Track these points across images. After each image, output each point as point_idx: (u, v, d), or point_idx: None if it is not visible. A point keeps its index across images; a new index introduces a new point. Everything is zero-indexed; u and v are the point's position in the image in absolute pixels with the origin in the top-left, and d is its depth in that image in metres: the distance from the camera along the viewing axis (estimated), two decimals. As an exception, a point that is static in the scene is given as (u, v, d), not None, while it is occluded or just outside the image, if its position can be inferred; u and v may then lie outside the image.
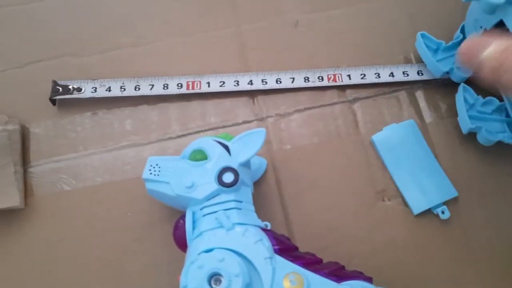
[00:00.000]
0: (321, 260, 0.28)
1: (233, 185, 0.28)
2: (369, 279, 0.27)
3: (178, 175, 0.29)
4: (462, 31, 0.35)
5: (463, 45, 0.25)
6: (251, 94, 0.37)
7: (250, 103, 0.36)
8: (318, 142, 0.35)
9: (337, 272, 0.27)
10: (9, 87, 0.38)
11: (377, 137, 0.34)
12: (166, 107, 0.36)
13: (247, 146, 0.30)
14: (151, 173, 0.30)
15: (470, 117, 0.32)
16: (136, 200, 0.34)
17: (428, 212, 0.33)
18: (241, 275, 0.24)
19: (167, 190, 0.29)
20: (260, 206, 0.33)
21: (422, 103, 0.36)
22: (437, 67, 0.34)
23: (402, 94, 0.36)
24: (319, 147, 0.35)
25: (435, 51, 0.35)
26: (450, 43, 0.35)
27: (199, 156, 0.30)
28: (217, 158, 0.29)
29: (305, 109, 0.36)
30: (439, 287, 0.31)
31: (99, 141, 0.36)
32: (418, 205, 0.33)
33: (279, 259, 0.26)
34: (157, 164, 0.30)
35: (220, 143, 0.30)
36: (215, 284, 0.25)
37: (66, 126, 0.36)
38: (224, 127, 0.36)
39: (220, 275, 0.25)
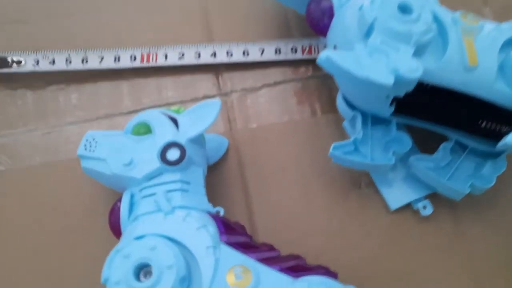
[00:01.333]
0: (278, 253, 0.24)
1: (178, 163, 0.24)
2: (333, 275, 0.23)
3: (116, 151, 0.25)
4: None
5: None
6: (215, 68, 0.32)
7: (213, 77, 0.32)
8: (288, 121, 0.31)
9: (296, 266, 0.22)
10: None
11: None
12: (118, 81, 0.32)
13: (199, 120, 0.26)
14: (85, 149, 0.26)
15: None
16: (80, 183, 0.30)
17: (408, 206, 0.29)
18: (175, 267, 0.20)
19: (102, 168, 0.25)
20: (218, 192, 0.29)
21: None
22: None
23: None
24: (289, 126, 0.31)
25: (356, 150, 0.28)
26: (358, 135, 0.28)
27: (143, 130, 0.26)
28: (162, 133, 0.25)
29: (276, 83, 0.32)
30: (420, 285, 0.27)
31: (41, 117, 0.32)
32: (395, 199, 0.29)
33: (225, 249, 0.22)
34: (93, 139, 0.26)
35: (169, 116, 0.26)
36: (145, 277, 0.21)
37: (4, 100, 0.32)
38: (182, 102, 0.32)
39: (150, 266, 0.21)
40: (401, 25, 0.23)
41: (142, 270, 0.21)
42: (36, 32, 0.34)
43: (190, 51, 0.32)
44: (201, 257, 0.21)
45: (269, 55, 0.32)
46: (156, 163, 0.24)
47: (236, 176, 0.30)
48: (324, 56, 0.22)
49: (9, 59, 0.32)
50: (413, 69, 0.22)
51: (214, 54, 0.32)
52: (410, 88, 0.23)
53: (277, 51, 0.32)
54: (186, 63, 0.32)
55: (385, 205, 0.29)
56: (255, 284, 0.21)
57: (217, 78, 0.32)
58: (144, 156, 0.25)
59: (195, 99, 0.32)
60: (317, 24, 0.27)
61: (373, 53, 0.22)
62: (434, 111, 0.26)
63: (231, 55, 0.32)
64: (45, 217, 0.29)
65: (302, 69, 0.32)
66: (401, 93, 0.24)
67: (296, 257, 0.24)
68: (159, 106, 0.31)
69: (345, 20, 0.25)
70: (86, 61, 0.32)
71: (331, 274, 0.23)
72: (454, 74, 0.23)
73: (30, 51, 0.32)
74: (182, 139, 0.25)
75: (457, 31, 0.24)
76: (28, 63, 0.32)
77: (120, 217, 0.24)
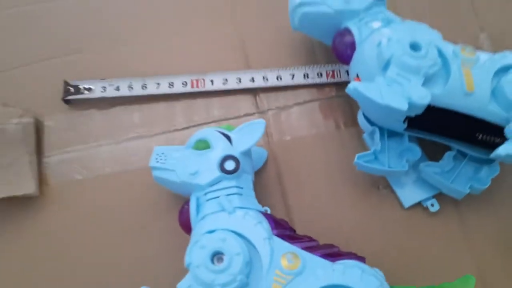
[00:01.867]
0: (317, 242, 0.30)
1: (234, 172, 0.30)
2: (362, 259, 0.28)
3: (182, 163, 0.31)
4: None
5: None
6: (253, 90, 0.38)
7: (252, 98, 0.38)
8: (316, 133, 0.37)
9: (332, 253, 0.28)
10: (22, 83, 0.39)
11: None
12: (172, 102, 0.38)
13: (248, 136, 0.31)
14: (157, 161, 0.31)
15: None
16: (144, 189, 0.35)
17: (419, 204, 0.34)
18: (241, 254, 0.26)
19: (172, 177, 0.31)
20: (261, 194, 0.35)
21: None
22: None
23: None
24: (317, 138, 0.37)
25: (375, 158, 0.33)
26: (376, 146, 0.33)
27: (203, 145, 0.32)
28: (220, 147, 0.31)
29: (305, 102, 0.38)
30: (430, 270, 0.33)
31: (108, 134, 0.38)
32: (408, 198, 0.34)
33: (277, 240, 0.28)
34: (163, 153, 0.32)
35: (222, 133, 0.32)
36: (218, 262, 0.27)
37: (77, 120, 0.38)
38: (226, 119, 0.37)
39: (222, 253, 0.26)
40: (412, 60, 0.29)
41: (215, 256, 0.27)
42: (97, 62, 0.40)
43: (232, 77, 0.38)
44: (260, 246, 0.27)
45: (299, 79, 0.38)
46: (217, 173, 0.30)
47: (275, 181, 0.35)
48: (352, 87, 0.28)
49: (81, 87, 0.38)
50: (423, 97, 0.28)
51: (253, 79, 0.38)
52: (420, 111, 0.29)
53: (305, 75, 0.38)
54: (229, 87, 0.38)
55: (400, 203, 0.34)
56: (303, 267, 0.27)
57: (255, 99, 0.38)
58: (206, 167, 0.30)
59: (238, 117, 0.38)
60: (342, 55, 0.33)
61: (391, 84, 0.28)
62: (439, 127, 0.32)
63: (267, 79, 0.38)
64: (114, 218, 0.35)
65: (327, 90, 0.38)
66: (413, 114, 0.29)
67: (331, 245, 0.30)
68: (208, 123, 0.37)
69: (365, 54, 0.31)
70: (146, 87, 0.38)
71: (360, 258, 0.28)
72: (455, 98, 0.29)
73: (95, 79, 0.38)
74: (235, 152, 0.31)
75: (457, 63, 0.30)
76: (96, 90, 0.38)
77: (189, 216, 0.30)
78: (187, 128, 0.37)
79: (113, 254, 0.34)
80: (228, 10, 0.41)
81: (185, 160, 0.31)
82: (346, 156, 0.36)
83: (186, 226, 0.30)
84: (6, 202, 0.34)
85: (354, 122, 0.36)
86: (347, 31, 0.33)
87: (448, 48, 0.30)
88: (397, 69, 0.29)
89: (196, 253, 0.27)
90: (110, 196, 0.36)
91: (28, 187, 0.35)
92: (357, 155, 0.32)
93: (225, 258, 0.26)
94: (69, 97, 0.38)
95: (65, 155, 0.37)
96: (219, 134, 0.32)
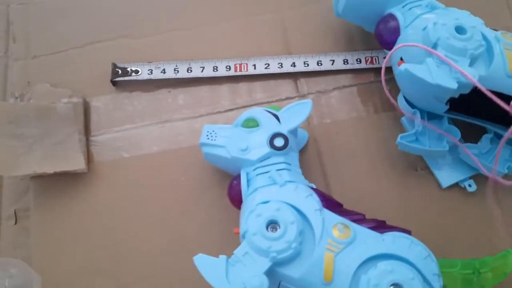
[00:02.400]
0: (364, 216, 0.31)
1: (283, 148, 0.31)
2: (408, 232, 0.30)
3: (233, 140, 0.32)
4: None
5: None
6: (294, 75, 0.40)
7: (292, 82, 0.40)
8: (356, 117, 0.38)
9: (379, 225, 0.30)
10: (71, 65, 0.41)
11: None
12: (216, 85, 0.40)
13: (295, 115, 0.33)
14: (208, 138, 0.33)
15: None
16: (189, 167, 0.37)
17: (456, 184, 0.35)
18: (295, 223, 0.27)
19: (223, 153, 0.32)
20: (303, 172, 0.36)
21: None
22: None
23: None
24: (356, 121, 0.38)
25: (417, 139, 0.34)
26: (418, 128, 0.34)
27: (252, 123, 0.33)
28: (269, 125, 0.32)
29: (344, 87, 0.39)
30: (469, 248, 0.34)
31: (154, 114, 0.39)
32: (446, 179, 0.35)
33: (327, 212, 0.29)
34: (213, 131, 0.33)
35: (270, 112, 0.33)
36: (272, 231, 0.28)
37: (123, 101, 0.40)
38: (268, 102, 0.39)
39: (276, 223, 0.28)
40: (459, 42, 0.30)
41: (269, 225, 0.28)
42: (144, 46, 0.41)
43: (274, 62, 0.39)
44: (312, 216, 0.28)
45: (339, 64, 0.39)
46: (267, 149, 0.31)
47: (315, 162, 0.37)
48: (403, 68, 0.29)
49: (129, 69, 0.39)
50: (471, 75, 0.29)
51: (294, 64, 0.39)
52: (467, 91, 0.30)
53: (345, 61, 0.39)
54: (271, 72, 0.39)
55: (438, 184, 0.36)
56: (354, 236, 0.28)
57: (296, 83, 0.40)
58: (256, 143, 0.32)
59: (279, 100, 0.39)
60: (385, 40, 0.35)
61: (439, 65, 0.29)
62: (480, 109, 0.33)
63: (308, 65, 0.39)
64: (161, 193, 0.36)
65: (365, 75, 0.39)
66: (457, 95, 0.31)
67: (377, 220, 0.31)
68: (250, 106, 0.39)
69: (410, 38, 0.32)
70: (191, 71, 0.39)
71: (406, 231, 0.30)
72: (498, 80, 0.31)
73: (142, 62, 0.40)
74: (284, 130, 0.32)
75: (500, 46, 0.31)
76: (144, 72, 0.39)
77: (239, 190, 0.31)
78: (231, 110, 0.39)
79: (159, 230, 0.35)
80: (270, -1, 0.42)
81: (235, 137, 0.32)
82: (384, 139, 0.37)
83: (237, 200, 0.32)
84: (57, 176, 0.36)
85: (392, 107, 0.38)
86: (391, 17, 0.34)
87: (490, 33, 0.32)
88: (444, 51, 0.30)
89: (252, 221, 0.28)
90: (156, 174, 0.37)
91: (78, 163, 0.36)
92: (400, 135, 0.33)
93: (280, 226, 0.27)
94: (117, 79, 0.39)
95: (112, 134, 0.39)
96: (267, 113, 0.33)
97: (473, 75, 0.29)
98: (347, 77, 0.39)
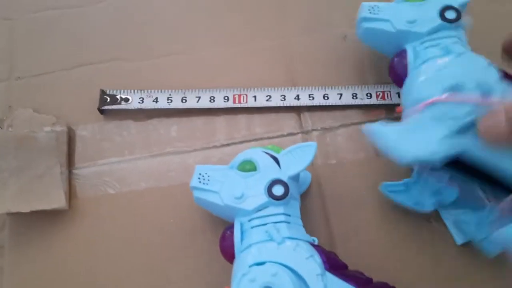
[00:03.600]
0: (371, 280, 0.27)
1: (283, 198, 0.28)
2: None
3: (227, 185, 0.29)
4: None
5: (481, 127, 0.24)
6: (297, 108, 0.36)
7: (296, 116, 0.36)
8: (364, 158, 0.35)
9: (389, 293, 0.26)
10: (57, 89, 0.38)
11: None
12: (212, 116, 0.36)
13: (297, 160, 0.29)
14: (199, 182, 0.30)
15: None
16: (180, 207, 0.34)
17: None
18: (293, 291, 0.24)
19: (215, 199, 0.29)
20: (304, 220, 0.32)
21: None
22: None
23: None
24: (365, 163, 0.34)
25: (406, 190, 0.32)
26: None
27: (248, 166, 0.30)
28: (267, 170, 0.29)
29: (352, 124, 0.36)
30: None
31: (144, 147, 0.36)
32: (461, 235, 0.32)
33: (330, 276, 0.26)
34: (206, 173, 0.30)
35: (269, 154, 0.30)
36: (266, 299, 0.24)
37: (112, 130, 0.36)
38: (269, 138, 0.36)
39: (271, 289, 0.24)
40: (443, 107, 0.26)
41: (264, 292, 0.25)
42: (136, 71, 0.38)
43: (276, 94, 0.36)
44: (312, 283, 0.25)
45: (347, 99, 0.36)
46: (264, 198, 0.28)
47: (318, 207, 0.33)
48: (365, 128, 0.27)
49: (118, 97, 0.36)
50: (433, 153, 0.25)
51: (298, 97, 0.36)
52: (439, 164, 0.26)
53: (354, 95, 0.36)
54: (272, 104, 0.36)
55: (453, 239, 0.32)
56: (359, 308, 0.25)
57: (299, 117, 0.36)
58: (253, 191, 0.28)
59: (280, 136, 0.36)
60: (395, 77, 0.31)
61: (415, 129, 0.26)
62: (478, 174, 0.27)
63: (313, 98, 0.36)
64: (147, 235, 0.33)
65: (376, 112, 0.36)
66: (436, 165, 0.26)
67: (386, 284, 0.28)
68: (248, 141, 0.35)
69: (407, 86, 0.29)
70: (185, 100, 0.36)
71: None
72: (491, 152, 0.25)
73: (134, 89, 0.37)
74: (284, 177, 0.29)
75: None
76: (134, 101, 0.36)
77: (232, 242, 0.28)
78: (227, 145, 0.36)
79: (144, 273, 0.32)
80: (276, 23, 0.39)
81: (230, 182, 0.29)
82: (395, 183, 0.33)
83: (229, 254, 0.28)
84: (35, 213, 0.33)
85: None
86: (404, 53, 0.31)
87: (497, 91, 0.26)
88: (429, 113, 0.26)
89: (245, 287, 0.25)
90: (143, 214, 0.34)
91: (57, 201, 0.33)
92: (384, 183, 0.30)
93: (275, 295, 0.24)
94: (105, 107, 0.36)
95: (98, 167, 0.35)
96: (266, 155, 0.30)
97: (437, 152, 0.25)
98: (356, 113, 0.36)
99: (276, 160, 0.30)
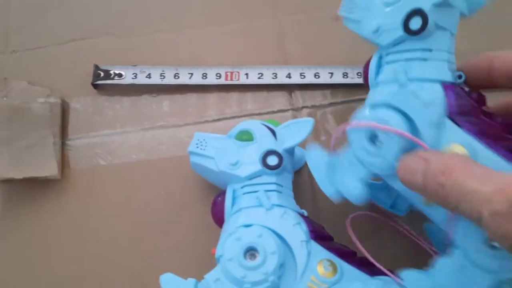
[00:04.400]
0: (355, 253, 0.28)
1: (277, 168, 0.28)
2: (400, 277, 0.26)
3: (223, 152, 0.29)
4: None
5: (399, 168, 0.22)
6: (288, 86, 0.37)
7: (287, 94, 0.37)
8: (353, 136, 0.35)
9: (370, 267, 0.26)
10: (52, 63, 0.39)
11: None
12: (204, 93, 0.37)
13: (294, 134, 0.30)
14: (197, 147, 0.30)
15: None
16: (170, 180, 0.34)
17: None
18: (277, 253, 0.25)
19: (211, 165, 0.29)
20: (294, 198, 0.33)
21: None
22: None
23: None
24: (353, 141, 0.35)
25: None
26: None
27: (246, 136, 0.30)
28: (263, 141, 0.29)
29: (342, 102, 0.36)
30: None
31: (136, 120, 0.36)
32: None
33: (314, 244, 0.26)
34: (204, 139, 0.30)
35: (267, 127, 0.30)
36: (250, 258, 0.25)
37: (104, 104, 0.37)
38: (259, 114, 0.36)
39: (256, 250, 0.25)
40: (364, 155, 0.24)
41: (248, 252, 0.25)
42: (129, 47, 0.39)
43: (268, 72, 0.37)
44: (296, 248, 0.25)
45: (338, 78, 0.36)
46: (258, 166, 0.28)
47: (306, 183, 0.34)
48: (306, 149, 0.27)
49: (112, 72, 0.37)
50: (355, 195, 0.25)
51: (289, 75, 0.36)
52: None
53: (345, 75, 0.36)
54: (264, 82, 0.36)
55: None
56: (340, 276, 0.25)
57: (290, 95, 0.37)
58: (247, 159, 0.29)
59: (271, 112, 0.36)
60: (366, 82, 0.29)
61: (350, 164, 0.25)
62: None
63: (304, 76, 0.36)
64: (137, 206, 0.34)
65: (366, 90, 0.36)
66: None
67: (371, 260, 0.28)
68: (240, 117, 0.36)
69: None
70: (178, 77, 0.36)
71: (398, 276, 0.26)
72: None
73: (127, 64, 0.37)
74: (279, 148, 0.29)
75: None
76: (127, 77, 0.36)
77: (223, 208, 0.28)
78: (218, 120, 0.36)
79: (134, 243, 0.33)
80: (269, 2, 0.40)
81: (226, 149, 0.30)
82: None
83: (219, 218, 0.29)
84: (27, 182, 0.33)
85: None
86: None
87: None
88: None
89: (230, 245, 0.25)
90: (133, 186, 0.34)
91: (50, 169, 0.34)
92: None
93: (259, 255, 0.25)
94: (98, 82, 0.36)
95: (90, 139, 0.36)
96: (264, 127, 0.30)
97: (359, 194, 0.25)
98: (346, 91, 0.37)
99: (273, 132, 0.30)
